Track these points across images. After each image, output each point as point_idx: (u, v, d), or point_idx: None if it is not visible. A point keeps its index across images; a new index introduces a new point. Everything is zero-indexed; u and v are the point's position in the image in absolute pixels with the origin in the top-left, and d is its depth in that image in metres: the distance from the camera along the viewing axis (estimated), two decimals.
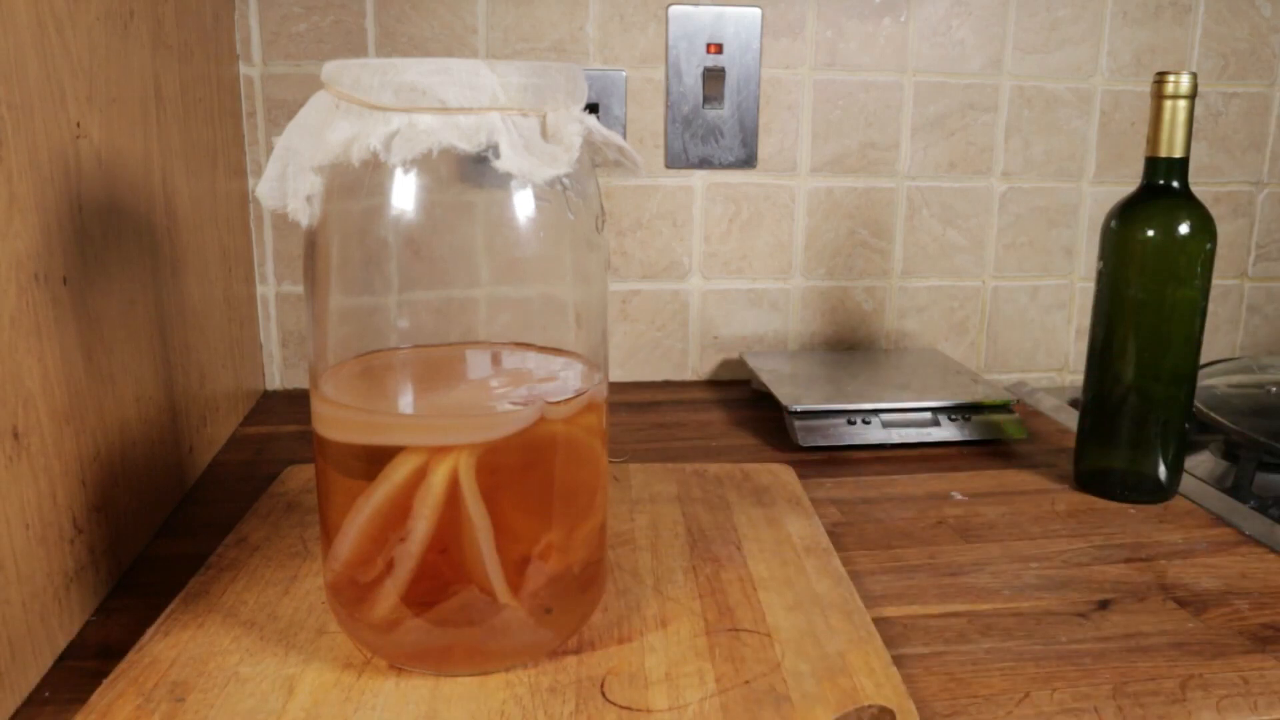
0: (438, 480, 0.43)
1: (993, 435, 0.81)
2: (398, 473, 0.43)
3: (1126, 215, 0.68)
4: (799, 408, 0.80)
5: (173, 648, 0.48)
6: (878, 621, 0.53)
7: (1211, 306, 1.01)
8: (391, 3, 0.88)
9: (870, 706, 0.44)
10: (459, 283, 0.46)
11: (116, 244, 0.57)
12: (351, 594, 0.46)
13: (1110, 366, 0.69)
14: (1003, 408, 0.83)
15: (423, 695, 0.45)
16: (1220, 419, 0.81)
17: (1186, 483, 0.73)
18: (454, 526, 0.43)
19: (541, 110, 0.42)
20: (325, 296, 0.45)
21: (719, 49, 0.92)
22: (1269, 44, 1.01)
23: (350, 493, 0.44)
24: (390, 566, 0.44)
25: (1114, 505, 0.70)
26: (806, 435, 0.79)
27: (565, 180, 0.43)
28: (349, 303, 0.46)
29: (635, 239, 0.96)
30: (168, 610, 0.51)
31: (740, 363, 0.99)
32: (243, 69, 0.87)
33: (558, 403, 0.45)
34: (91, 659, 0.49)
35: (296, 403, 0.90)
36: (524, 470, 0.45)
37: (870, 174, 0.98)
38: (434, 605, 0.44)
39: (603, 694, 0.45)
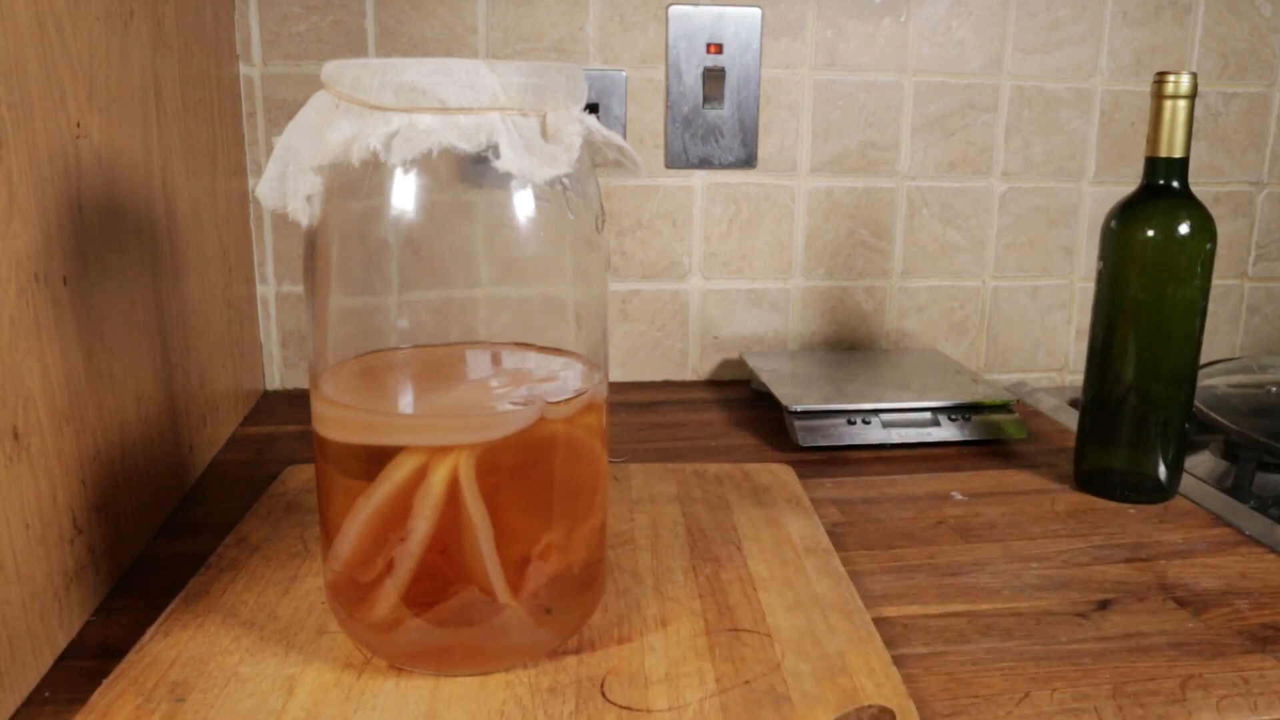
0: (438, 480, 0.43)
1: (993, 435, 0.81)
2: (398, 473, 0.43)
3: (1126, 215, 0.68)
4: (799, 408, 0.80)
5: (173, 648, 0.48)
6: (878, 621, 0.53)
7: (1211, 306, 1.01)
8: (391, 3, 0.88)
9: (870, 706, 0.44)
10: (459, 283, 0.46)
11: (116, 244, 0.57)
12: (351, 594, 0.46)
13: (1110, 366, 0.69)
14: (1003, 408, 0.83)
15: (423, 695, 0.45)
16: (1220, 419, 0.81)
17: (1186, 483, 0.73)
18: (454, 526, 0.43)
19: (541, 110, 0.42)
20: (325, 296, 0.45)
21: (719, 49, 0.92)
22: (1269, 44, 1.01)
23: (350, 493, 0.44)
24: (390, 566, 0.44)
25: (1114, 505, 0.70)
26: (806, 435, 0.79)
27: (565, 180, 0.43)
28: (349, 303, 0.46)
29: (635, 239, 0.96)
30: (168, 610, 0.51)
31: (740, 363, 0.99)
32: (243, 69, 0.87)
33: (558, 403, 0.45)
34: (91, 659, 0.49)
35: (296, 403, 0.90)
36: (524, 470, 0.45)
37: (870, 174, 0.98)
38: (434, 605, 0.44)
39: (603, 694, 0.45)
